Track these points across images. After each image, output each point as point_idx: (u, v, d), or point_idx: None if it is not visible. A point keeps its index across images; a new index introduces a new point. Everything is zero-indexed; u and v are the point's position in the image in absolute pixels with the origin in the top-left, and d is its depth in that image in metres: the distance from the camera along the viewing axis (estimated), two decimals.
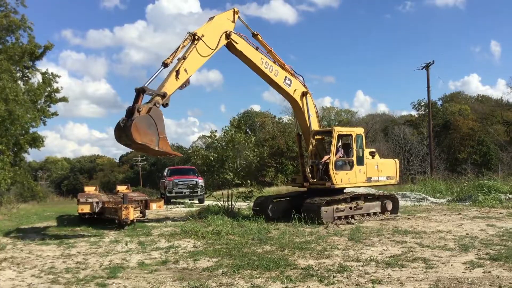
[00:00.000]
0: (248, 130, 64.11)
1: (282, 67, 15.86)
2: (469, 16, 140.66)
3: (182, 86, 13.19)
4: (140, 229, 14.23)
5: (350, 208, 15.15)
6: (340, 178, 15.05)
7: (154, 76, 12.66)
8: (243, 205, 19.83)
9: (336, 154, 15.27)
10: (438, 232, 12.35)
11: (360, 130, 16.36)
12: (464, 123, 61.85)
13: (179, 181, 27.02)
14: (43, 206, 30.88)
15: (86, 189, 21.76)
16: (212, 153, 17.74)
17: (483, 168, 43.06)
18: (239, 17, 15.16)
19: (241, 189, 19.27)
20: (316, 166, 15.63)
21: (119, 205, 14.26)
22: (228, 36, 14.47)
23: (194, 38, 13.55)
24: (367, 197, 16.07)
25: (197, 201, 27.29)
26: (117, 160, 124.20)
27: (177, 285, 7.56)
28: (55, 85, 29.12)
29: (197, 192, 26.29)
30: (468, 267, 8.12)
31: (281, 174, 56.41)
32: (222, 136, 18.47)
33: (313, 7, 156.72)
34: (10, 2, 27.26)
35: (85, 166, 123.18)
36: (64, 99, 30.21)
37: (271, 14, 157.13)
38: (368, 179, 15.95)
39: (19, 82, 26.70)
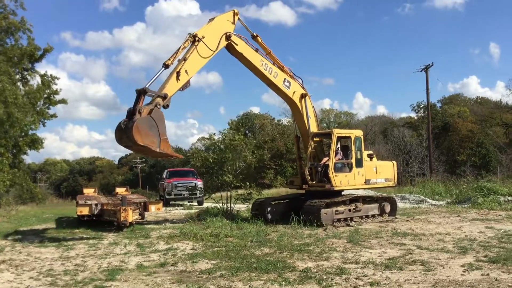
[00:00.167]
0: (247, 132, 64.24)
1: (281, 69, 15.86)
2: (468, 18, 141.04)
3: (182, 88, 13.14)
4: (139, 231, 14.22)
5: (349, 210, 15.15)
6: (339, 180, 15.05)
7: (155, 77, 12.65)
8: (242, 207, 19.82)
9: (335, 156, 15.28)
10: (436, 235, 12.35)
11: (358, 133, 16.37)
12: (463, 125, 61.91)
13: (178, 183, 27.01)
14: (42, 208, 30.85)
15: (85, 191, 21.72)
16: (211, 155, 17.74)
17: (482, 170, 43.06)
18: (239, 19, 15.15)
19: (240, 191, 19.26)
20: (315, 168, 15.63)
21: (118, 207, 14.22)
22: (228, 37, 14.45)
23: (194, 39, 13.52)
24: (366, 199, 16.09)
25: (196, 203, 27.26)
26: (116, 162, 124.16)
27: (176, 287, 7.56)
28: (54, 87, 29.18)
29: (196, 194, 26.24)
30: (467, 270, 8.12)
31: (281, 176, 56.44)
32: (220, 138, 18.47)
33: (312, 9, 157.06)
34: (9, 4, 27.28)
35: (84, 168, 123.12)
36: (63, 101, 30.26)
37: (270, 16, 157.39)
38: (367, 181, 15.95)
39: (18, 84, 26.70)
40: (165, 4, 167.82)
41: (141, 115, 11.57)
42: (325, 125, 68.05)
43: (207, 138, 22.10)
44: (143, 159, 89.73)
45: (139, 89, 12.01)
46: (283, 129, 66.87)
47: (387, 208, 16.34)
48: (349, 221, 15.00)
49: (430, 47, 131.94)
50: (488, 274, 7.74)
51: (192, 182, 26.35)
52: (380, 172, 16.43)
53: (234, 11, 15.05)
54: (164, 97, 12.31)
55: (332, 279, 7.68)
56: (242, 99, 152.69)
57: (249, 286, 7.41)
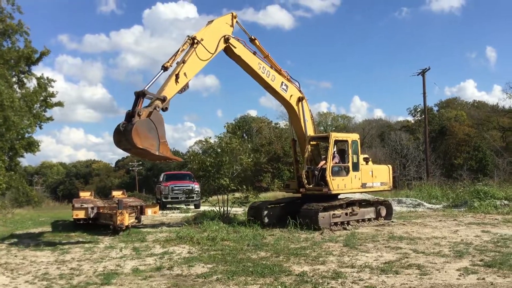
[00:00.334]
0: (244, 135, 64.21)
1: (279, 72, 15.86)
2: (465, 22, 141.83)
3: (181, 90, 13.05)
4: (135, 235, 14.18)
5: (346, 214, 15.17)
6: (336, 184, 15.07)
7: (154, 79, 12.53)
8: (239, 211, 19.80)
9: (332, 160, 15.29)
10: (433, 238, 12.36)
11: (355, 136, 16.40)
12: (460, 129, 62.07)
13: (175, 186, 27.00)
14: (38, 211, 30.72)
15: (82, 194, 21.67)
16: (208, 159, 17.72)
17: (479, 174, 43.29)
18: (237, 22, 15.14)
19: (237, 195, 19.25)
20: (311, 171, 15.64)
21: (114, 211, 14.20)
22: (226, 40, 14.43)
23: (193, 41, 13.47)
24: (362, 203, 16.10)
25: (193, 207, 27.22)
26: (113, 165, 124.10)
27: None
28: (50, 90, 29.09)
29: (193, 197, 26.23)
30: (462, 274, 8.13)
31: (278, 180, 56.35)
32: (217, 142, 18.47)
33: (309, 12, 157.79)
34: (6, 8, 27.26)
35: (81, 171, 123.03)
36: (59, 104, 30.13)
37: (268, 19, 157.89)
38: (363, 185, 15.98)
39: (15, 87, 26.64)
40: (162, 7, 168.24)
41: (140, 117, 11.42)
42: (322, 128, 68.11)
43: (204, 142, 22.08)
44: (140, 162, 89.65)
45: (138, 91, 11.89)
46: (281, 132, 66.84)
47: (383, 211, 16.38)
48: (346, 224, 15.02)
49: (427, 51, 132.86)
50: (484, 279, 7.75)
51: (189, 186, 26.36)
52: (376, 175, 16.46)
53: (232, 14, 15.05)
54: (163, 99, 12.21)
55: (328, 283, 7.68)
56: (240, 102, 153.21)
57: None
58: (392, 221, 16.35)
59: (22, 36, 27.45)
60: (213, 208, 18.43)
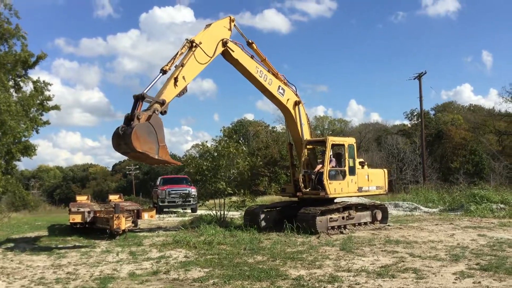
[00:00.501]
0: (241, 139, 64.26)
1: (276, 76, 15.89)
2: (461, 27, 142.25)
3: (180, 94, 12.98)
4: (132, 239, 14.16)
5: (343, 218, 15.19)
6: (333, 188, 15.09)
7: (153, 83, 12.46)
8: (236, 215, 19.80)
9: (329, 163, 15.31)
10: (429, 242, 12.39)
11: (352, 140, 16.44)
12: (456, 133, 62.20)
13: (171, 190, 26.94)
14: (35, 215, 30.65)
15: (78, 198, 21.64)
16: (205, 163, 17.72)
17: (475, 177, 43.38)
18: (234, 25, 15.15)
19: (233, 198, 19.25)
20: (308, 175, 15.65)
21: (111, 215, 14.17)
22: (224, 43, 14.43)
23: (191, 45, 13.44)
24: (358, 207, 16.13)
25: (189, 211, 27.20)
26: (110, 169, 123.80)
27: None
28: (47, 93, 29.12)
29: (189, 201, 26.23)
30: (458, 278, 8.15)
31: (275, 183, 56.32)
32: (214, 146, 18.48)
33: (306, 16, 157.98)
34: (4, 12, 27.32)
35: (77, 175, 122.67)
36: (56, 107, 30.16)
37: (264, 23, 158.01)
38: (359, 189, 16.01)
39: (11, 91, 26.64)
40: (159, 11, 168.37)
41: (139, 121, 11.33)
42: (319, 132, 68.22)
43: (200, 146, 22.08)
44: (137, 166, 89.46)
45: (137, 94, 11.79)
46: (277, 136, 66.80)
47: (379, 215, 16.43)
48: (343, 228, 15.03)
49: (423, 55, 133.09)
50: (479, 282, 7.78)
51: (186, 189, 26.34)
52: (372, 179, 16.51)
53: (230, 17, 15.06)
54: (162, 103, 12.11)
55: (324, 287, 7.69)
56: (237, 106, 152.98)
57: None
58: (389, 225, 16.39)
59: (19, 40, 27.53)
60: (210, 212, 18.42)
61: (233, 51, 14.72)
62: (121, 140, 11.38)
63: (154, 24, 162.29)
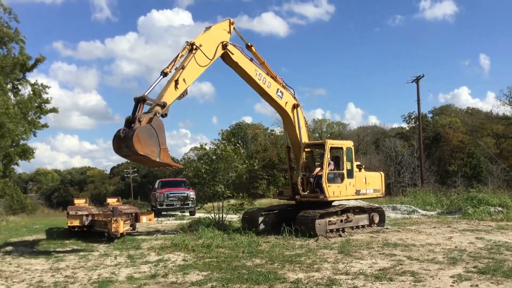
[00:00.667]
0: (239, 142, 64.23)
1: (274, 79, 15.89)
2: (458, 30, 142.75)
3: (180, 96, 12.90)
4: (130, 242, 14.16)
5: (341, 221, 15.20)
6: (332, 191, 15.11)
7: (154, 85, 12.37)
8: (234, 218, 19.80)
9: (327, 167, 15.34)
10: (427, 245, 12.41)
11: (350, 143, 16.47)
12: (454, 136, 62.31)
13: (170, 193, 26.92)
14: (33, 219, 30.59)
15: (76, 201, 21.58)
16: (203, 166, 17.72)
17: (473, 180, 43.42)
18: (234, 28, 15.17)
19: (232, 201, 19.24)
20: (306, 178, 15.66)
21: (109, 218, 14.17)
22: (224, 46, 14.41)
23: (192, 47, 13.41)
24: (355, 210, 16.15)
25: (188, 214, 27.19)
26: (108, 172, 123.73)
27: None
28: (45, 96, 29.14)
29: (188, 204, 26.21)
30: (456, 281, 8.17)
31: (273, 186, 56.38)
32: (212, 149, 18.48)
33: (303, 20, 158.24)
34: (3, 17, 27.38)
35: (75, 178, 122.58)
36: (54, 110, 30.16)
37: (262, 26, 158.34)
38: (357, 192, 16.05)
39: (9, 94, 26.66)
40: (157, 14, 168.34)
41: (140, 123, 11.21)
42: (317, 135, 68.24)
43: (199, 148, 22.05)
44: (135, 169, 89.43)
45: (138, 97, 11.70)
46: (276, 139, 66.93)
47: (376, 218, 16.46)
48: (341, 231, 15.04)
49: (420, 58, 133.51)
50: (477, 285, 7.79)
51: (184, 193, 26.33)
52: (369, 182, 16.55)
53: (229, 20, 15.06)
54: (163, 105, 12.03)
55: None
56: (235, 109, 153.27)
57: None
58: (387, 228, 16.41)
59: (18, 44, 27.57)
60: (208, 215, 18.42)
61: (232, 53, 14.72)
62: (122, 142, 11.24)
63: (152, 27, 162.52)
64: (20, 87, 28.53)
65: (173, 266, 10.31)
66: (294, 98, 16.45)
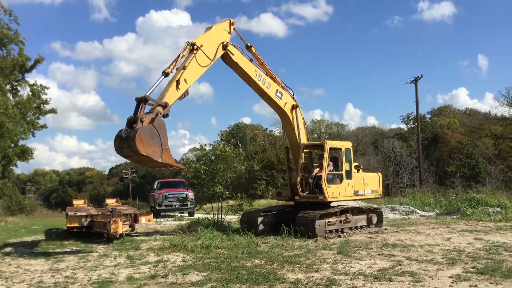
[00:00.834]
0: (238, 142, 64.25)
1: (274, 79, 15.89)
2: (457, 31, 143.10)
3: (181, 97, 12.88)
4: (129, 243, 14.17)
5: (340, 221, 15.22)
6: (331, 192, 15.13)
7: (155, 85, 12.31)
8: (233, 218, 19.81)
9: (327, 167, 15.36)
10: (426, 246, 12.44)
11: (348, 144, 16.51)
12: (452, 137, 62.44)
13: (169, 194, 26.91)
14: (32, 220, 30.58)
15: (75, 202, 21.56)
16: (203, 166, 17.73)
17: (471, 181, 43.48)
18: (234, 29, 15.16)
19: (231, 202, 19.25)
20: (305, 179, 15.68)
21: (108, 219, 14.16)
22: (225, 47, 14.39)
23: (193, 47, 13.39)
24: (354, 211, 16.18)
25: (187, 214, 27.19)
26: (106, 173, 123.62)
27: None
28: (43, 97, 29.13)
29: (187, 205, 26.21)
30: (455, 281, 8.19)
31: (272, 187, 56.41)
32: (211, 149, 18.49)
33: (302, 21, 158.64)
34: (3, 18, 27.41)
35: (74, 178, 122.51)
36: (53, 111, 30.15)
37: (261, 27, 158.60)
38: (356, 193, 16.07)
39: (8, 95, 26.66)
40: (156, 15, 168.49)
41: (142, 124, 11.13)
42: (316, 135, 68.29)
43: (198, 149, 22.09)
44: (134, 170, 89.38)
45: (140, 97, 11.62)
46: (275, 139, 66.94)
47: (374, 219, 16.50)
48: (340, 232, 15.07)
49: (419, 59, 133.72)
50: (476, 286, 7.82)
51: (183, 193, 26.33)
52: (368, 183, 16.59)
53: (230, 20, 15.04)
54: (165, 106, 11.99)
55: None
56: (233, 110, 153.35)
57: None
58: (386, 229, 16.44)
59: (18, 45, 27.60)
60: (207, 215, 18.42)
61: (233, 54, 14.71)
62: (124, 143, 11.15)
63: (151, 28, 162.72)
64: (19, 88, 28.54)
65: (173, 266, 10.32)
66: (293, 99, 16.47)
